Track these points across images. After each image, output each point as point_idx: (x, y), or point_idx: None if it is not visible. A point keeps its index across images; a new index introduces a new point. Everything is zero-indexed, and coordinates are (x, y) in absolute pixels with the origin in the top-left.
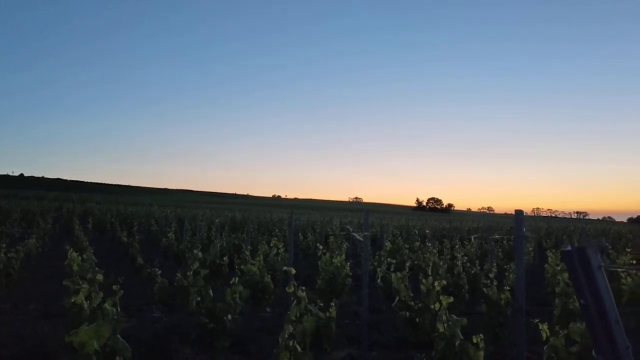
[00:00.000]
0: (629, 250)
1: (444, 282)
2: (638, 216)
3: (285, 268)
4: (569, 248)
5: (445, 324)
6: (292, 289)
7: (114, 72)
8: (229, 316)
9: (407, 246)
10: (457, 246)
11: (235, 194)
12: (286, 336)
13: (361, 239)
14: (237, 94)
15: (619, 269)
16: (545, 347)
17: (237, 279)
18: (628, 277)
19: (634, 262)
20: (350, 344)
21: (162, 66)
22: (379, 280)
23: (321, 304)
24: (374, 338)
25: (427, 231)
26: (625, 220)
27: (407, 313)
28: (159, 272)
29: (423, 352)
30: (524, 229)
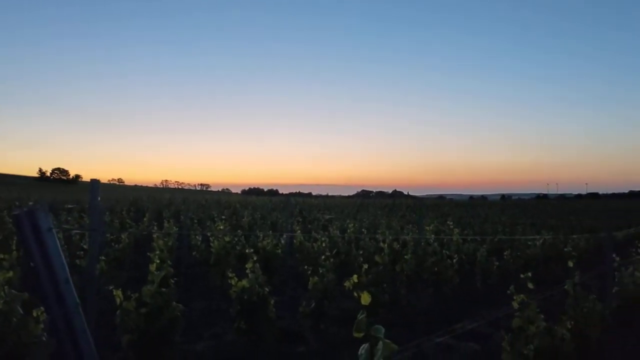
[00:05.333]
0: (223, 217)
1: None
2: (250, 188)
3: None
4: (18, 212)
5: (3, 300)
6: None
7: None
8: None
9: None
10: (70, 218)
11: None
12: None
13: None
14: None
15: (75, 230)
16: (117, 311)
17: None
18: (215, 241)
19: (222, 227)
20: None
21: None
22: None
23: None
24: None
25: (30, 203)
26: (240, 192)
27: None
28: None
29: None
30: (99, 198)
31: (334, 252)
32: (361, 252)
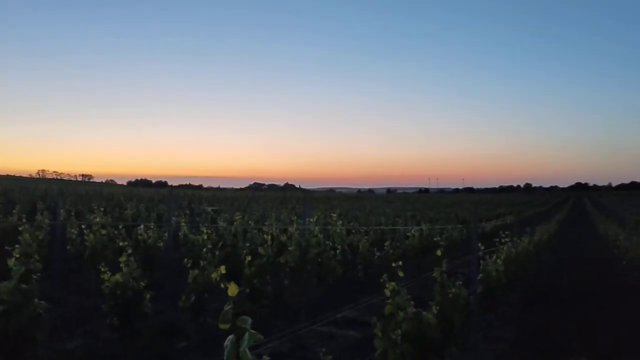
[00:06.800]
0: (102, 209)
1: None
2: (137, 179)
3: None
4: None
5: None
6: None
7: None
8: None
9: None
10: None
11: None
12: None
13: None
14: None
15: None
16: None
17: None
18: (91, 235)
19: (98, 219)
20: None
21: None
22: None
23: None
24: None
25: None
26: (125, 184)
27: None
28: None
29: None
30: None
31: (220, 244)
32: (248, 245)
